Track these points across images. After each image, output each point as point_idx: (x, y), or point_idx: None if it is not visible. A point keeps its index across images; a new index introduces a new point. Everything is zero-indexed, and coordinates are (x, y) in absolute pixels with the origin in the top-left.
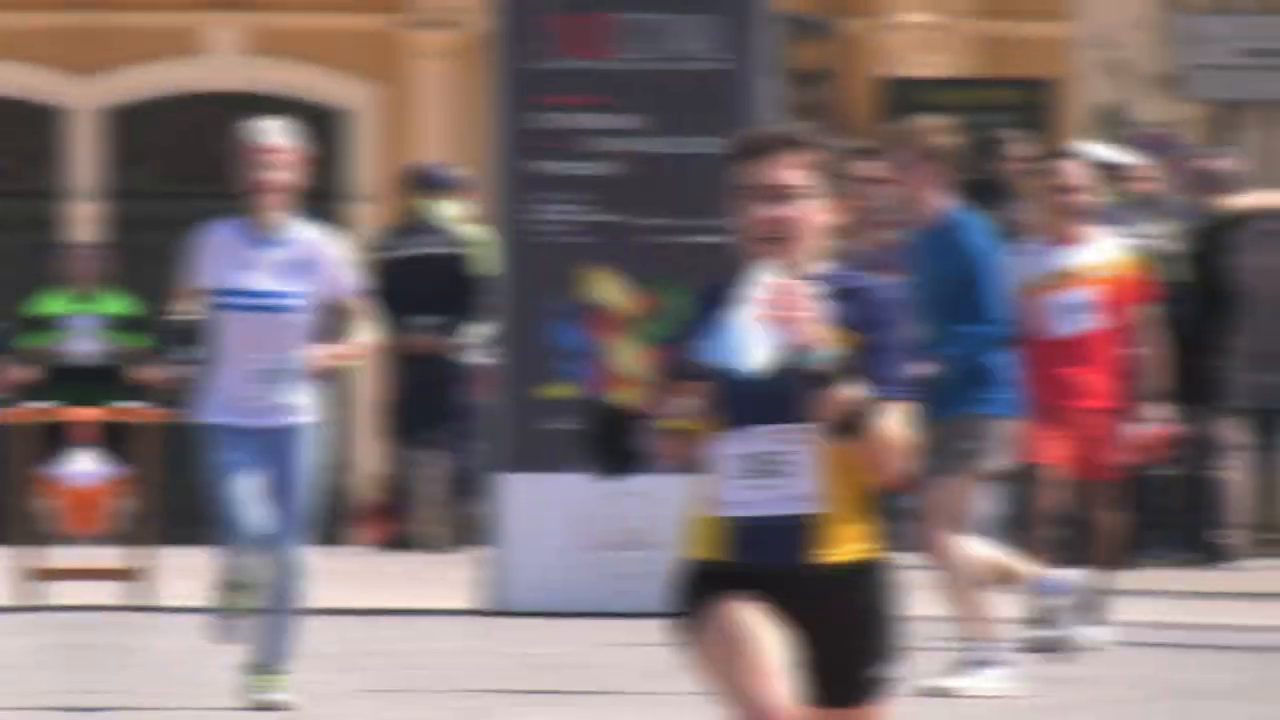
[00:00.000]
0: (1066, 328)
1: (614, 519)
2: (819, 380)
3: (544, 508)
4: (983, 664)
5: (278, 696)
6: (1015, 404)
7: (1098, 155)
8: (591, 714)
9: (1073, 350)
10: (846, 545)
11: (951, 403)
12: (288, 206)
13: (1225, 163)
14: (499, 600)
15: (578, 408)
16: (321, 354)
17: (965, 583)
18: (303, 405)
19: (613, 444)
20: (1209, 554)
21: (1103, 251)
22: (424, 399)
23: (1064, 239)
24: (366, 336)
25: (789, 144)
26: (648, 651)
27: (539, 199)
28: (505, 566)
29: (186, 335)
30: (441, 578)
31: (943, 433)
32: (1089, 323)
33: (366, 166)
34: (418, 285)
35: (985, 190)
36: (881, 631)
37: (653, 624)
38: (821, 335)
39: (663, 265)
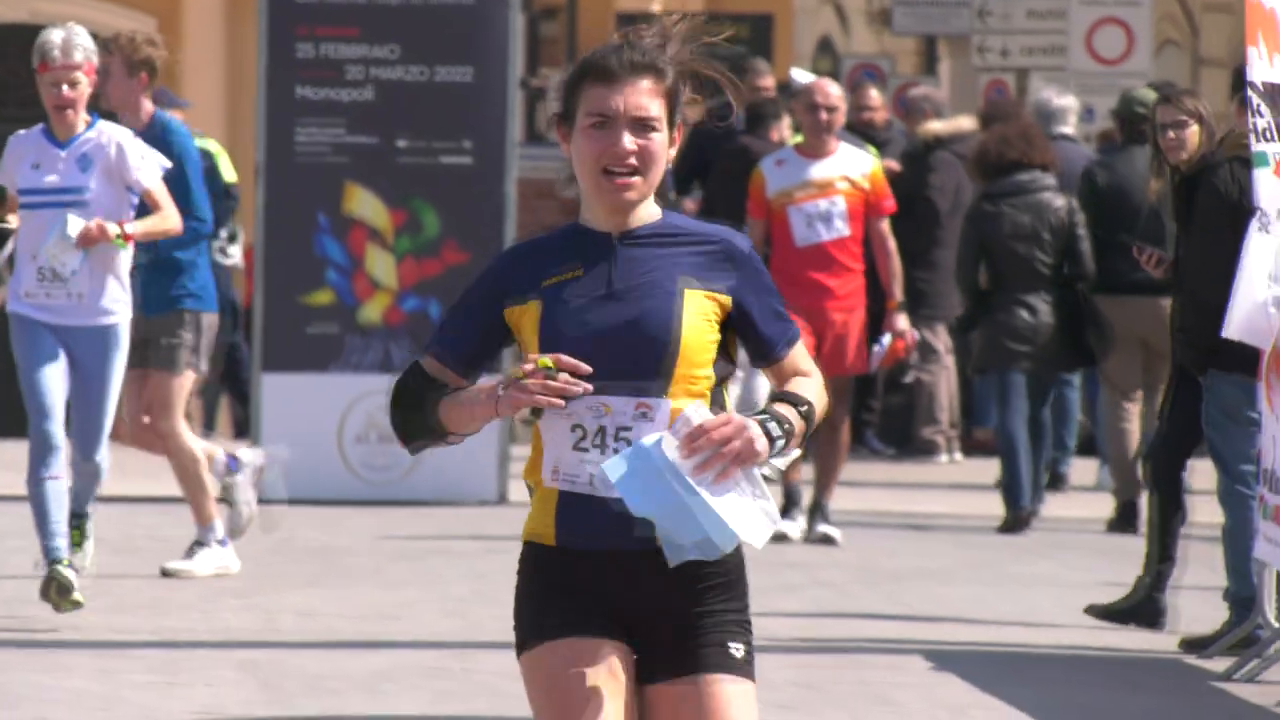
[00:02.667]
0: (816, 234)
1: (363, 416)
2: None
3: (300, 405)
4: (203, 545)
5: (68, 572)
6: (215, 298)
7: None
8: (347, 594)
9: (821, 255)
10: None
11: (161, 299)
12: (83, 111)
13: (927, 91)
14: (261, 490)
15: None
16: (91, 226)
17: (192, 470)
18: (108, 304)
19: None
20: (917, 449)
21: (850, 165)
22: None
23: (817, 153)
24: (163, 223)
25: (647, 69)
26: (397, 539)
27: (301, 122)
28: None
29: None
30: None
31: (154, 328)
32: (836, 230)
33: None
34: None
35: (751, 113)
36: (732, 605)
37: (401, 511)
38: (761, 451)
39: (413, 184)
